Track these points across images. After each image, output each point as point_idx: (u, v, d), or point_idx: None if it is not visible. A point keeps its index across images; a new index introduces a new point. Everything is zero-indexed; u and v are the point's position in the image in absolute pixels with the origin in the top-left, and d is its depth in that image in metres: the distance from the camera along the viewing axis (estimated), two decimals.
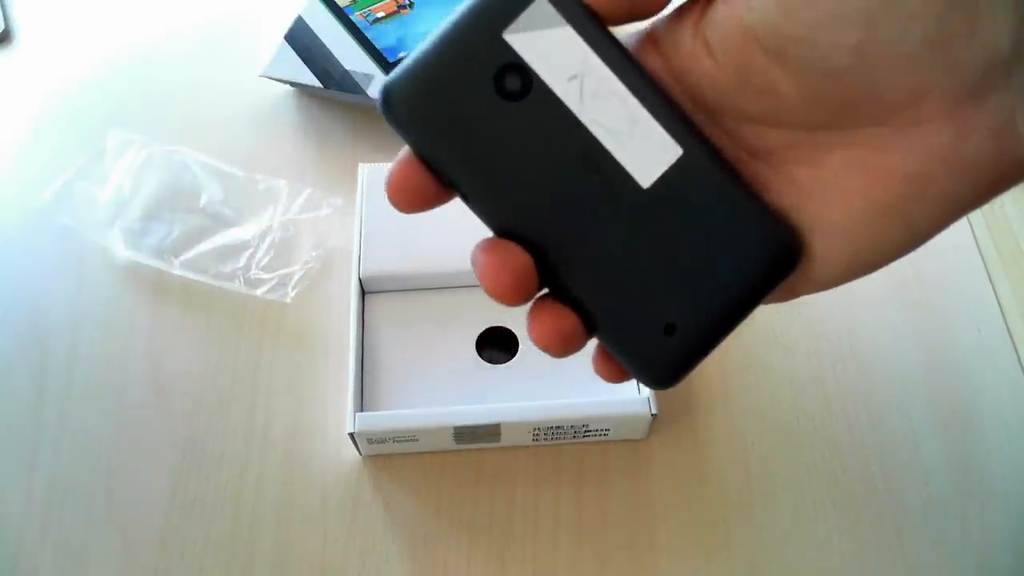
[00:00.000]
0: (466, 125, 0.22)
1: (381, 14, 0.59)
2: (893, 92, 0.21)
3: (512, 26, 0.22)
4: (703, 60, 0.22)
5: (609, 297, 0.22)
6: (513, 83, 0.22)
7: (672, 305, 0.22)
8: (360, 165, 0.49)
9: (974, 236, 0.52)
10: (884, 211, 0.22)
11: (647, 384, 0.23)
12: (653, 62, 0.23)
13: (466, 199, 0.23)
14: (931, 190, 0.22)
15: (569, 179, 0.22)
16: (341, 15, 0.59)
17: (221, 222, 0.52)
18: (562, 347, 0.23)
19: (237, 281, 0.50)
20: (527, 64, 0.22)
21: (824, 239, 0.23)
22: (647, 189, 0.22)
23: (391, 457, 0.44)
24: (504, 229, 0.23)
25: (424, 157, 0.23)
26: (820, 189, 0.22)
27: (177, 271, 0.50)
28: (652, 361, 0.23)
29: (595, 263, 0.22)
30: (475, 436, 0.43)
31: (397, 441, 0.42)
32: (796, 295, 0.24)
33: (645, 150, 0.22)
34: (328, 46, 0.57)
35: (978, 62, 0.20)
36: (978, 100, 0.20)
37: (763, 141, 0.23)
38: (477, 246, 0.23)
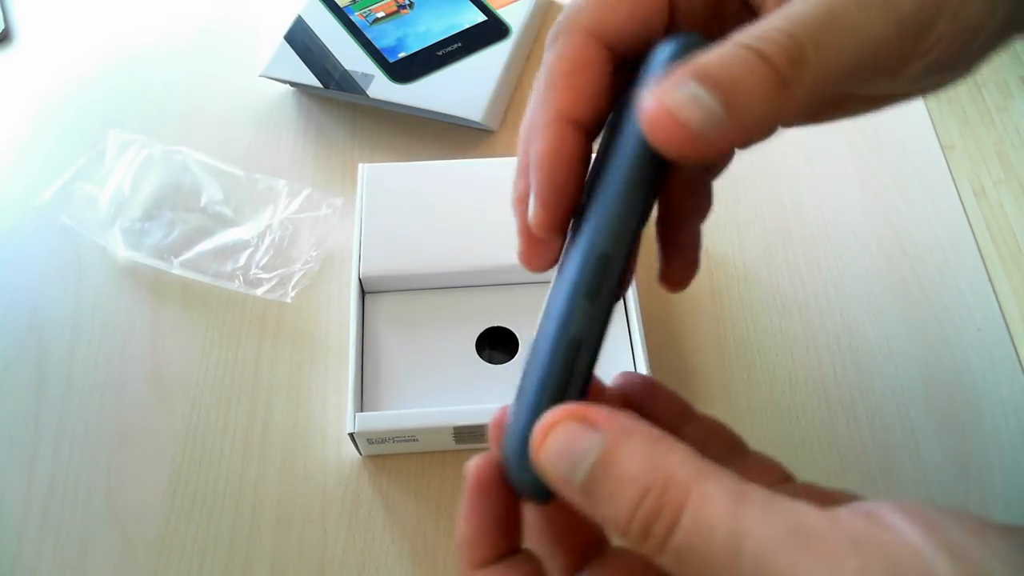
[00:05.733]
0: None
1: (381, 14, 0.59)
2: None
3: None
4: None
5: None
6: None
7: None
8: (360, 165, 0.49)
9: (974, 236, 0.52)
10: (887, 98, 0.24)
11: None
12: None
13: None
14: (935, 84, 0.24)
15: None
16: (341, 15, 0.59)
17: (221, 222, 0.52)
18: None
19: (237, 281, 0.50)
20: None
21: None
22: None
23: (391, 457, 0.44)
24: None
25: None
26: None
27: (177, 271, 0.50)
28: None
29: None
30: (475, 436, 0.43)
31: (397, 441, 0.42)
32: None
33: None
34: (328, 46, 0.57)
35: None
36: None
37: None
38: None
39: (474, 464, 0.22)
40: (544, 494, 0.21)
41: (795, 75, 0.19)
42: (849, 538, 0.17)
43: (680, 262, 0.28)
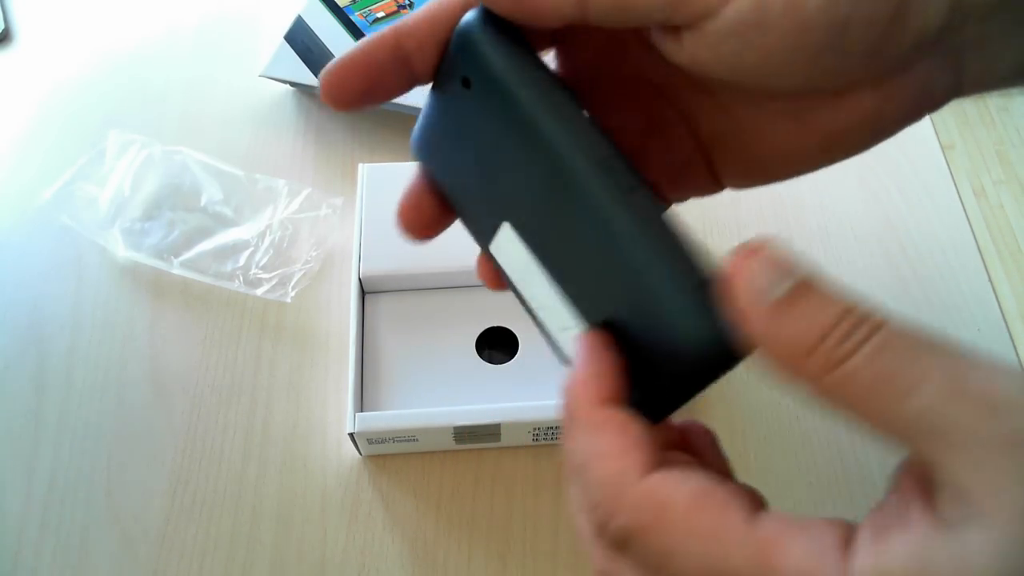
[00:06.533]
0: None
1: (381, 14, 0.59)
2: (831, 83, 0.23)
3: None
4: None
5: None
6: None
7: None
8: (360, 165, 0.49)
9: (974, 236, 0.52)
10: (802, 154, 0.26)
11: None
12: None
13: None
14: (848, 142, 0.25)
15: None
16: (341, 15, 0.59)
17: (221, 222, 0.52)
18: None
19: (237, 281, 0.50)
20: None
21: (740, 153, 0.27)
22: None
23: (391, 457, 0.44)
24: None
25: None
26: (753, 125, 0.25)
27: (177, 271, 0.50)
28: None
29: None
30: (475, 436, 0.43)
31: (397, 441, 0.42)
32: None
33: None
34: (328, 46, 0.57)
35: (907, 45, 0.22)
36: (904, 71, 0.23)
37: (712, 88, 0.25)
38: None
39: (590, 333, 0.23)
40: (703, 335, 0.21)
41: None
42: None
43: None
